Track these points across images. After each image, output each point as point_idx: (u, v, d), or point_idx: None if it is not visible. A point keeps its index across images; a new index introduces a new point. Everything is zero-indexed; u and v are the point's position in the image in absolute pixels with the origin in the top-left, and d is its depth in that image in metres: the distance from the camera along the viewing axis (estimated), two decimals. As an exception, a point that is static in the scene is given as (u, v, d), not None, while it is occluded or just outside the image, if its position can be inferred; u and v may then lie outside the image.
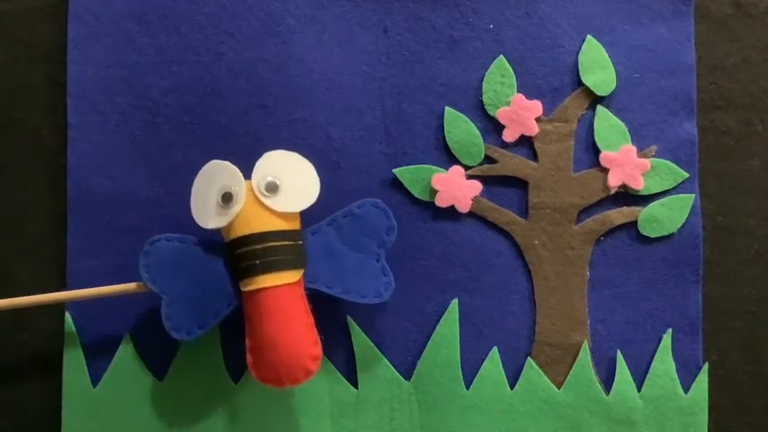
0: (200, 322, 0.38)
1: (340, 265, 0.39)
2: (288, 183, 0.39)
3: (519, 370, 0.42)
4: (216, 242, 0.39)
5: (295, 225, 0.39)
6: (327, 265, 0.39)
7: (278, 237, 0.38)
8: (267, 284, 0.37)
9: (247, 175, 0.39)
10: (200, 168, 0.39)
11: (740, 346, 0.43)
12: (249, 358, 0.38)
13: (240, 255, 0.38)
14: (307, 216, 0.39)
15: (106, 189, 0.42)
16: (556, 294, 0.42)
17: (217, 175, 0.39)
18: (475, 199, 0.42)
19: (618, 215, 0.42)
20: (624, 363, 0.42)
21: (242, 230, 0.38)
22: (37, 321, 0.42)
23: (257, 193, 0.38)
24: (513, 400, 0.42)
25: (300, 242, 0.39)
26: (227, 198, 0.38)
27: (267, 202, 0.38)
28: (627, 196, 0.42)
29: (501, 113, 0.42)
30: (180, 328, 0.38)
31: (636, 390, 0.42)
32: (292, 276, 0.38)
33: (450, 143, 0.42)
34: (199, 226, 0.39)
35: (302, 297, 0.38)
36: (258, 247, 0.37)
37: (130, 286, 0.39)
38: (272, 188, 0.38)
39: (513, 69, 0.42)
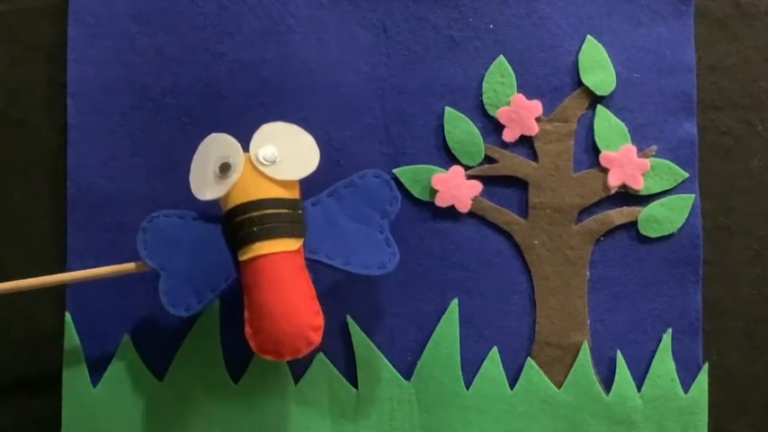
0: (199, 297, 0.38)
1: (342, 236, 0.39)
2: (286, 152, 0.38)
3: (519, 370, 0.42)
4: (215, 216, 0.38)
5: (294, 194, 0.38)
6: (329, 236, 0.39)
7: (276, 204, 0.37)
8: (265, 251, 0.37)
9: (246, 150, 0.38)
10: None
11: (740, 346, 0.43)
12: (248, 330, 0.37)
13: (238, 223, 0.37)
14: (304, 190, 0.39)
15: (106, 189, 0.42)
16: (556, 294, 0.42)
17: (215, 146, 0.38)
18: (475, 199, 0.42)
19: (618, 215, 0.42)
20: (624, 363, 0.42)
21: (239, 199, 0.37)
22: (37, 321, 0.42)
23: (255, 163, 0.38)
24: (513, 400, 0.42)
25: (300, 211, 0.38)
26: (224, 168, 0.38)
27: (265, 170, 0.38)
28: (627, 196, 0.42)
29: (501, 113, 0.42)
30: (178, 303, 0.38)
31: (636, 390, 0.42)
32: (291, 244, 0.37)
33: (450, 143, 0.42)
34: (198, 203, 0.38)
35: (302, 268, 0.38)
36: (256, 214, 0.37)
37: (129, 266, 0.39)
38: (271, 157, 0.38)
39: (513, 69, 0.42)
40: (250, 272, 0.37)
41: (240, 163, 0.38)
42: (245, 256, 0.37)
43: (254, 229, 0.37)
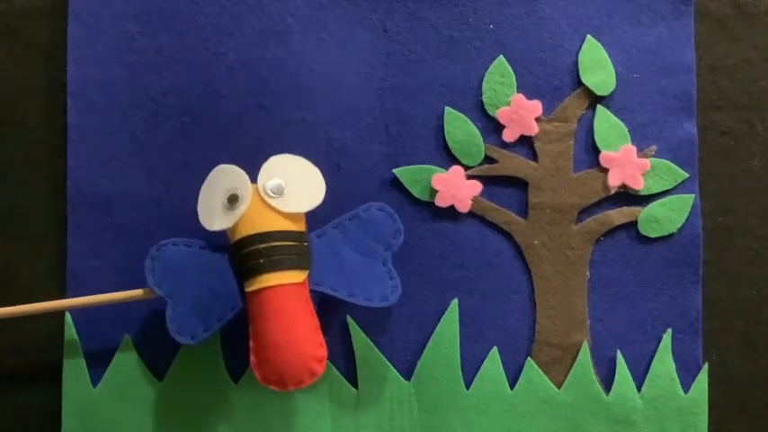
0: (205, 325, 0.38)
1: (346, 268, 0.39)
2: (293, 184, 0.39)
3: (519, 370, 0.42)
4: (222, 246, 0.39)
5: (300, 227, 0.39)
6: (333, 268, 0.39)
7: (283, 236, 0.38)
8: (271, 283, 0.37)
9: (253, 179, 0.39)
10: (199, 169, 0.40)
11: (740, 346, 0.43)
12: (253, 359, 0.38)
13: (245, 255, 0.38)
14: (309, 219, 0.39)
15: (106, 189, 0.42)
16: (556, 294, 0.42)
17: (223, 178, 0.39)
18: (475, 199, 0.42)
19: (618, 215, 0.42)
20: (624, 363, 0.42)
21: (246, 230, 0.38)
22: (37, 321, 0.42)
23: (263, 195, 0.38)
24: (513, 400, 0.42)
25: (306, 243, 0.39)
26: (232, 199, 0.38)
27: (272, 202, 0.38)
28: (627, 196, 0.42)
29: (501, 113, 0.42)
30: (184, 331, 0.38)
31: (636, 390, 0.42)
32: (297, 276, 0.38)
33: (450, 143, 0.42)
34: (204, 230, 0.39)
35: (307, 299, 0.38)
36: (263, 246, 0.37)
37: (137, 293, 0.39)
38: (278, 189, 0.38)
39: (513, 69, 0.42)
40: (256, 303, 0.37)
41: (248, 195, 0.38)
42: (251, 287, 0.38)
43: (261, 260, 0.37)
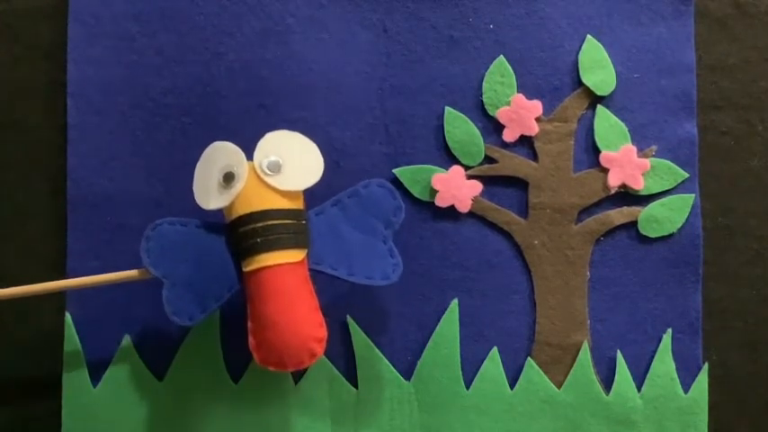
0: (202, 306, 0.37)
1: (346, 246, 0.38)
2: (290, 161, 0.38)
3: (519, 370, 0.42)
4: (218, 225, 0.38)
5: (298, 205, 0.38)
6: (333, 247, 0.38)
7: (280, 215, 0.37)
8: (269, 263, 0.36)
9: (249, 157, 0.38)
10: (200, 168, 0.39)
11: (740, 346, 0.43)
12: (251, 341, 0.37)
13: (241, 234, 0.37)
14: (307, 199, 0.39)
15: (106, 189, 0.42)
16: (556, 294, 0.42)
17: (219, 155, 0.38)
18: (475, 199, 0.42)
19: (618, 215, 0.42)
20: (624, 363, 0.42)
21: (243, 209, 0.37)
22: (37, 321, 0.42)
23: (259, 172, 0.37)
24: (513, 400, 0.42)
25: (304, 222, 0.38)
26: (228, 178, 0.37)
27: (269, 180, 0.37)
28: (627, 196, 0.42)
29: (501, 113, 0.42)
30: (181, 312, 0.37)
31: (636, 390, 0.42)
32: (295, 255, 0.37)
33: (450, 143, 0.42)
34: (201, 210, 0.38)
35: (306, 279, 0.37)
36: (259, 225, 0.37)
37: (132, 273, 0.39)
38: (275, 167, 0.38)
39: (513, 69, 0.42)
40: (254, 283, 0.37)
41: (244, 173, 0.37)
42: (248, 267, 0.37)
43: (258, 240, 0.36)
